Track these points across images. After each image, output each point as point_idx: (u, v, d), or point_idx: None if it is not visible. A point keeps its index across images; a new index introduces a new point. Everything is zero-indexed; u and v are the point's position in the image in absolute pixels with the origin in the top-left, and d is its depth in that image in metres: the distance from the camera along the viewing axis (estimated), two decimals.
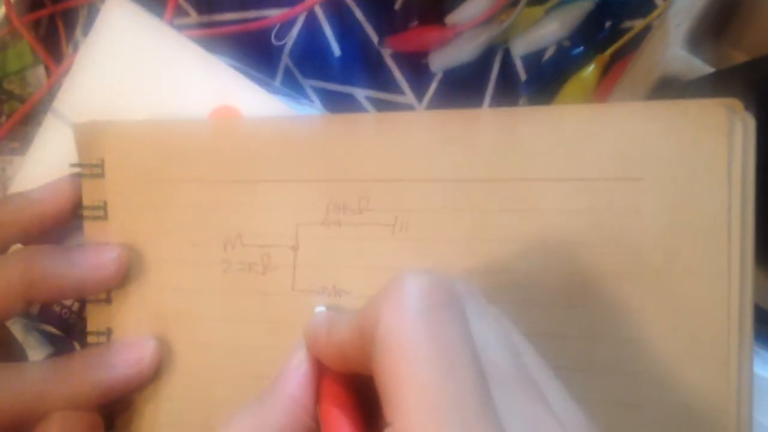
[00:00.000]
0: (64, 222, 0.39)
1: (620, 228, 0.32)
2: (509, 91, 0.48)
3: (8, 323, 0.44)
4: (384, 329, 0.23)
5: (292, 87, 0.53)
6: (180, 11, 0.54)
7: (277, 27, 0.53)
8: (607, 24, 0.48)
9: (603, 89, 0.45)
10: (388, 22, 0.52)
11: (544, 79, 0.47)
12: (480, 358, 0.23)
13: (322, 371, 0.30)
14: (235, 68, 0.41)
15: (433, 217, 0.35)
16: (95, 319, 0.40)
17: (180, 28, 0.50)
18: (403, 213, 0.35)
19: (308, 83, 0.53)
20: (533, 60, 0.49)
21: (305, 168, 0.37)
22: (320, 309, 0.35)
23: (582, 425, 0.25)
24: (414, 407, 0.22)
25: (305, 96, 0.53)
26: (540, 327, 0.33)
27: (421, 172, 0.35)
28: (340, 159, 0.36)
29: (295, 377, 0.30)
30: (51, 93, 0.52)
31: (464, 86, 0.49)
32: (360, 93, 0.52)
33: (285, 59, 0.53)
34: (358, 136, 0.36)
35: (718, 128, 0.31)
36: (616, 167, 0.33)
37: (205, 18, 0.54)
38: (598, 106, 0.33)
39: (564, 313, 0.33)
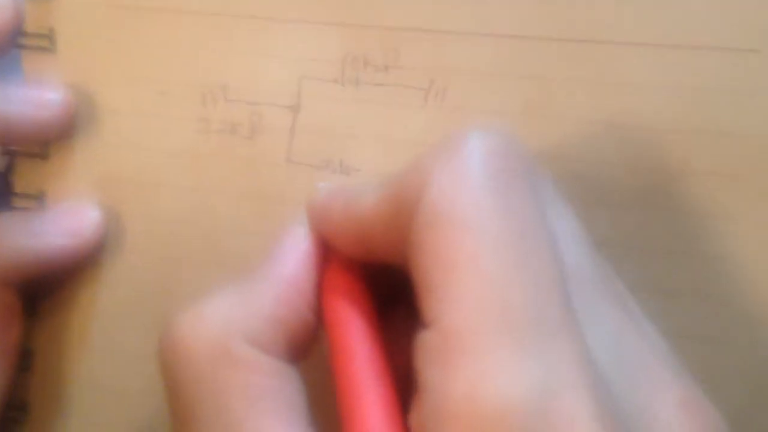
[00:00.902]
0: None
1: (724, 114, 0.25)
2: None
3: None
4: (436, 196, 0.18)
5: None
6: None
7: None
8: None
9: None
10: None
11: None
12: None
13: (327, 255, 0.23)
14: None
15: (480, 82, 0.27)
16: (26, 177, 0.31)
17: None
18: (441, 74, 0.28)
19: None
20: None
21: (317, 4, 0.28)
22: (324, 185, 0.27)
23: (664, 350, 0.19)
24: (474, 301, 0.16)
25: None
26: (606, 234, 0.26)
27: (468, 21, 0.27)
28: None
29: (293, 258, 0.23)
30: None
31: None
32: None
33: None
34: None
35: None
36: (726, 33, 0.25)
37: None
38: None
39: (638, 218, 0.26)
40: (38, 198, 0.31)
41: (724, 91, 0.25)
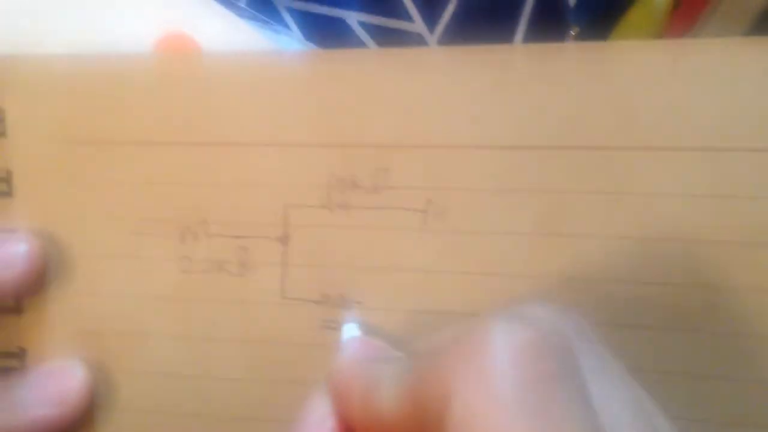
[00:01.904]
0: None
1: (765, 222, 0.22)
2: (551, 19, 0.37)
3: None
4: (462, 415, 0.15)
5: (262, 9, 0.41)
6: None
7: None
8: None
9: (678, 21, 0.34)
10: None
11: (600, 5, 0.36)
12: None
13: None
14: None
15: (483, 199, 0.24)
16: (2, 335, 0.28)
17: None
18: (439, 193, 0.25)
19: (283, 4, 0.41)
20: None
21: (296, 126, 0.26)
22: (350, 327, 0.25)
23: None
24: None
25: (280, 21, 0.41)
26: (642, 358, 0.23)
27: (464, 134, 0.24)
28: (347, 113, 0.25)
29: None
30: None
31: (491, 12, 0.38)
32: (353, 17, 0.40)
33: None
34: (371, 81, 0.25)
35: None
36: (762, 132, 0.22)
37: None
38: (739, 41, 0.23)
39: (679, 340, 0.23)
40: (19, 356, 0.28)
41: (763, 198, 0.22)
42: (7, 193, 0.28)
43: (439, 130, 0.25)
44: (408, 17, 0.40)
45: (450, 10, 0.39)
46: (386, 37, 0.40)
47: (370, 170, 0.25)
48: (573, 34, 0.37)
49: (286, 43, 0.36)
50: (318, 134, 0.25)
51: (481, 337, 0.16)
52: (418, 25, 0.40)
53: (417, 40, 0.40)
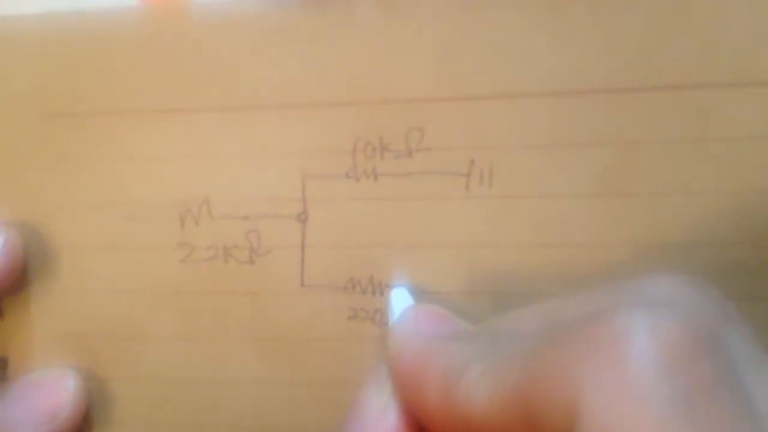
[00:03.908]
0: None
1: None
2: None
3: None
4: (599, 425, 0.12)
5: None
6: None
7: None
8: None
9: None
10: None
11: None
12: None
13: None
14: None
15: (536, 156, 0.21)
16: None
17: None
18: (483, 152, 0.21)
19: None
20: None
21: (310, 83, 0.22)
22: (400, 292, 0.21)
23: None
24: None
25: None
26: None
27: (511, 79, 0.21)
28: (371, 64, 0.21)
29: None
30: None
31: None
32: None
33: None
34: (396, 24, 0.21)
35: None
36: None
37: None
38: None
39: None
40: None
41: None
42: None
43: (479, 77, 0.21)
44: None
45: None
46: None
47: (402, 130, 0.21)
48: None
49: None
50: (337, 91, 0.22)
51: (617, 333, 0.13)
52: None
53: None
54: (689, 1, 0.19)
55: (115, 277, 0.23)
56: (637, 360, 0.12)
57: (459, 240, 0.21)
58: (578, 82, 0.20)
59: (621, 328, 0.13)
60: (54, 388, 0.23)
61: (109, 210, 0.23)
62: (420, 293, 0.21)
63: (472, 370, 0.15)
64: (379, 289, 0.22)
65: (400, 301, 0.21)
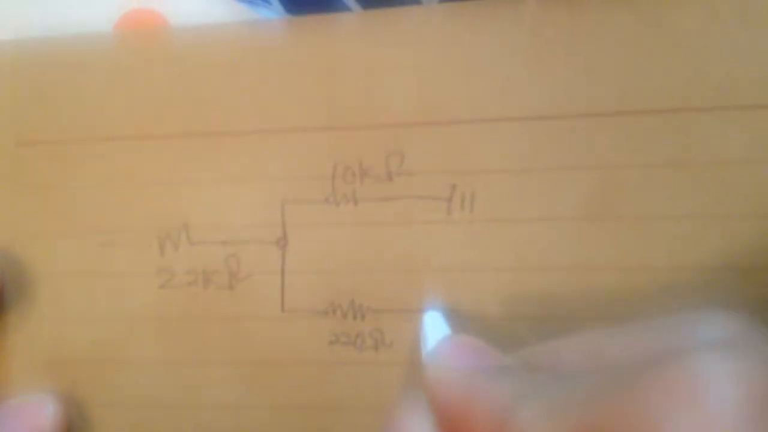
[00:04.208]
0: None
1: None
2: None
3: None
4: None
5: None
6: None
7: None
8: None
9: None
10: None
11: None
12: None
13: None
14: None
15: (518, 182, 0.20)
16: None
17: None
18: (464, 177, 0.21)
19: None
20: None
21: (289, 107, 0.22)
22: (434, 317, 0.21)
23: None
24: None
25: None
26: None
27: (493, 103, 0.20)
28: (350, 89, 0.21)
29: None
30: None
31: None
32: None
33: None
34: (376, 48, 0.21)
35: None
36: None
37: None
38: None
39: None
40: None
41: None
42: None
43: (460, 102, 0.21)
44: None
45: None
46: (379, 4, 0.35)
47: (382, 155, 0.21)
48: None
49: (265, 16, 0.32)
50: (316, 116, 0.21)
51: (696, 377, 0.12)
52: None
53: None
54: (671, 26, 0.19)
55: (93, 303, 0.23)
56: (719, 404, 0.12)
57: (440, 264, 0.21)
58: (559, 106, 0.20)
59: (700, 372, 0.12)
60: (34, 413, 0.23)
61: (87, 237, 0.23)
62: (453, 317, 0.21)
63: (528, 406, 0.14)
64: (360, 313, 0.22)
65: (434, 327, 0.20)
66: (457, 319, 0.21)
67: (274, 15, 0.34)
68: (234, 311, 0.22)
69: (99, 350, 0.23)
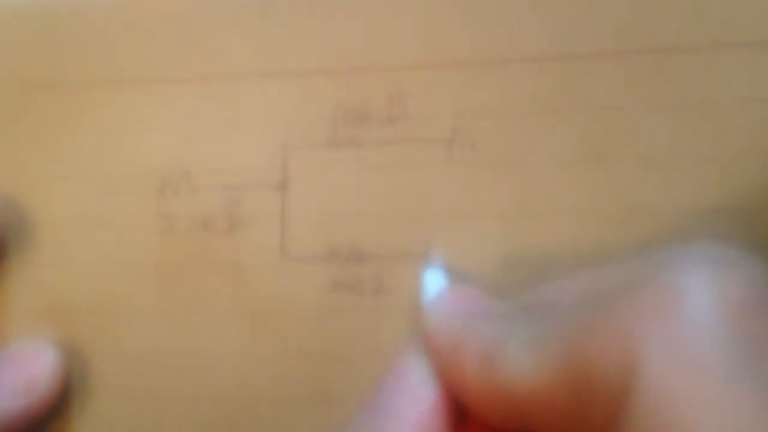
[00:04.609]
0: None
1: None
2: None
3: None
4: (656, 386, 0.12)
5: None
6: None
7: None
8: None
9: None
10: None
11: None
12: None
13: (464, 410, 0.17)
14: None
15: (519, 123, 0.20)
16: None
17: None
18: (466, 119, 0.21)
19: None
20: None
21: (290, 50, 0.22)
22: (435, 274, 0.20)
23: None
24: None
25: None
26: None
27: (493, 45, 0.20)
28: (353, 30, 0.21)
29: (414, 414, 0.17)
30: None
31: None
32: None
33: None
34: None
35: None
36: None
37: None
38: None
39: None
40: None
41: None
42: None
43: (462, 43, 0.20)
44: None
45: None
46: None
47: (383, 97, 0.21)
48: None
49: None
50: (318, 58, 0.21)
51: (679, 289, 0.12)
52: None
53: None
54: None
55: (94, 249, 0.23)
56: (700, 316, 0.12)
57: (441, 208, 0.21)
58: (562, 46, 0.20)
59: (683, 285, 0.12)
60: (32, 361, 0.23)
61: (88, 182, 0.23)
62: (454, 264, 0.21)
63: (512, 341, 0.15)
64: (361, 258, 0.22)
65: (433, 282, 0.20)
66: (458, 264, 0.21)
67: None
68: (234, 257, 0.22)
69: (99, 298, 0.23)
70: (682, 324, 0.12)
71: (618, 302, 0.13)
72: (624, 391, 0.12)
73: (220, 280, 0.22)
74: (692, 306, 0.12)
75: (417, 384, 0.17)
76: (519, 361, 0.14)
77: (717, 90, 0.19)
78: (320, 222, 0.22)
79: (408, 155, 0.21)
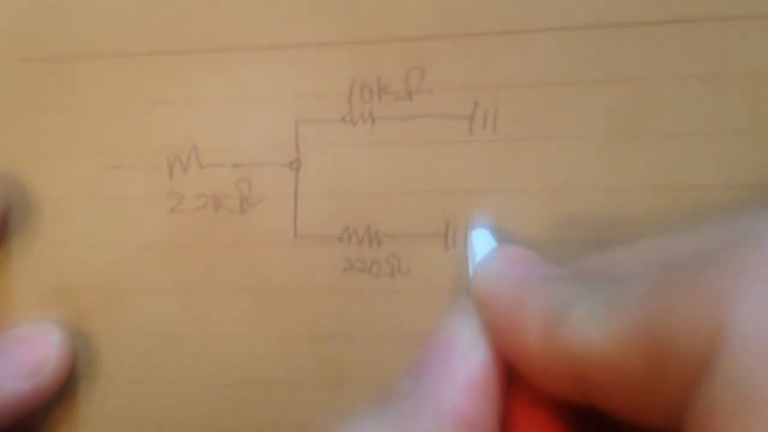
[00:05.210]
0: None
1: None
2: None
3: None
4: (751, 345, 0.10)
5: None
6: None
7: None
8: None
9: None
10: None
11: None
12: None
13: (513, 375, 0.16)
14: None
15: (542, 97, 0.19)
16: None
17: None
18: (488, 93, 0.20)
19: None
20: None
21: (304, 21, 0.21)
22: (482, 233, 0.20)
23: None
24: None
25: None
26: None
27: (517, 16, 0.19)
28: (369, 0, 0.20)
29: (463, 378, 0.16)
30: None
31: None
32: None
33: None
34: None
35: None
36: None
37: None
38: None
39: None
40: None
41: None
42: None
43: (483, 12, 0.19)
44: None
45: None
46: None
47: (401, 71, 0.20)
48: None
49: None
50: (332, 30, 0.20)
51: (760, 248, 0.11)
52: None
53: None
54: None
55: (100, 228, 0.22)
56: None
57: (461, 186, 0.20)
58: (589, 16, 0.19)
59: (756, 239, 0.11)
60: (38, 342, 0.22)
61: (93, 159, 0.22)
62: (502, 235, 0.20)
63: (580, 306, 0.14)
64: (377, 239, 0.21)
65: (482, 243, 0.19)
66: (506, 236, 0.20)
67: None
68: (245, 237, 0.22)
69: (106, 277, 0.23)
70: None
71: (701, 268, 0.12)
72: (706, 358, 0.11)
73: (230, 259, 0.22)
74: None
75: (466, 346, 0.16)
76: (588, 326, 0.13)
77: (750, 60, 0.18)
78: (334, 201, 0.21)
79: (427, 131, 0.20)
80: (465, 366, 0.16)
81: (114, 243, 0.22)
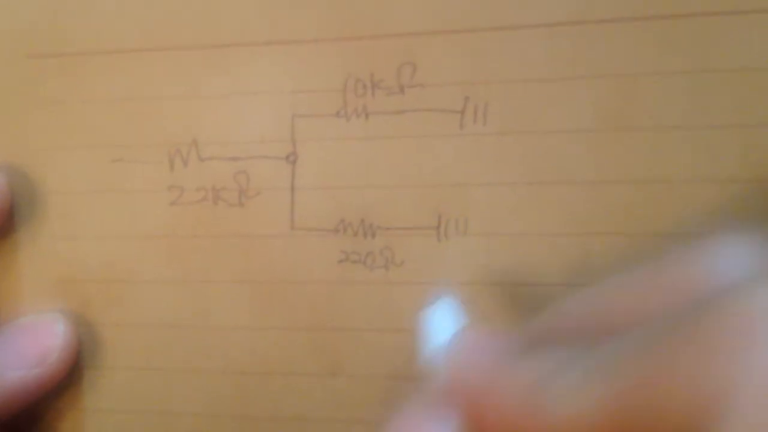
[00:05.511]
0: None
1: None
2: None
3: None
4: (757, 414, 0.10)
5: None
6: None
7: None
8: None
9: None
10: None
11: None
12: None
13: None
14: None
15: (532, 92, 0.20)
16: None
17: None
18: (478, 88, 0.20)
19: None
20: None
21: (299, 18, 0.21)
22: (447, 304, 0.18)
23: None
24: None
25: None
26: None
27: (507, 12, 0.20)
28: None
29: None
30: None
31: None
32: None
33: None
34: None
35: None
36: None
37: None
38: None
39: None
40: None
41: None
42: None
43: (474, 9, 0.20)
44: None
45: None
46: None
47: (394, 66, 0.21)
48: None
49: None
50: (327, 26, 0.21)
51: (759, 310, 0.11)
52: None
53: None
54: None
55: (103, 220, 0.23)
56: None
57: (452, 179, 0.21)
58: (577, 12, 0.19)
59: (758, 310, 0.11)
60: (43, 332, 0.23)
61: (97, 152, 0.23)
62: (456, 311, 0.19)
63: (556, 384, 0.13)
64: (371, 231, 0.21)
65: (443, 314, 0.18)
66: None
67: None
68: (243, 229, 0.22)
69: (110, 269, 0.23)
70: None
71: (691, 330, 0.11)
72: (704, 425, 0.11)
73: (229, 251, 0.22)
74: None
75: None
76: (574, 397, 0.13)
77: (736, 56, 0.19)
78: (330, 193, 0.22)
79: (419, 125, 0.21)
80: None
81: (117, 235, 0.23)
